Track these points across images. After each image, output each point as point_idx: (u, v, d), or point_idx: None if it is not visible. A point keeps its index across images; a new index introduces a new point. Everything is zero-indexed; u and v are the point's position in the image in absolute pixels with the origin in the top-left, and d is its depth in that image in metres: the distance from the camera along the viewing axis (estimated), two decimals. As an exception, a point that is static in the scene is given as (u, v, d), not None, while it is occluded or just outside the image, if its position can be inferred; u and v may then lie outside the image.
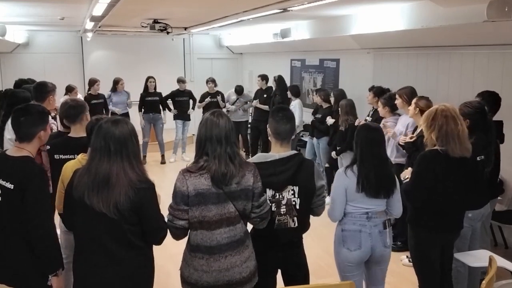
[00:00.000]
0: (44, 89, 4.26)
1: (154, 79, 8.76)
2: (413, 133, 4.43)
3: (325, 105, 6.80)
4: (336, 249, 3.06)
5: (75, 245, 2.42)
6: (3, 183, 2.52)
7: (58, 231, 3.29)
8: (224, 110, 8.75)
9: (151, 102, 8.69)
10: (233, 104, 8.81)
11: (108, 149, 2.26)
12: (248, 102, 8.85)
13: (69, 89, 8.02)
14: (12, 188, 2.49)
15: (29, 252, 2.53)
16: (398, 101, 4.90)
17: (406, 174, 3.56)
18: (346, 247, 2.96)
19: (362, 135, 2.98)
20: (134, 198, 2.23)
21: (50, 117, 3.14)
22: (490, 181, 3.73)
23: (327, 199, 3.18)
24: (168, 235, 2.44)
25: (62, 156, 3.31)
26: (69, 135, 3.44)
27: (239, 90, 8.83)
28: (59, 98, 7.86)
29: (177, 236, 2.45)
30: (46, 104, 4.05)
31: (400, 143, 4.47)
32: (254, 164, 2.48)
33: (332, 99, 6.46)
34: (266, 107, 8.17)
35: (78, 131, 3.37)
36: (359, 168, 2.92)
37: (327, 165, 6.55)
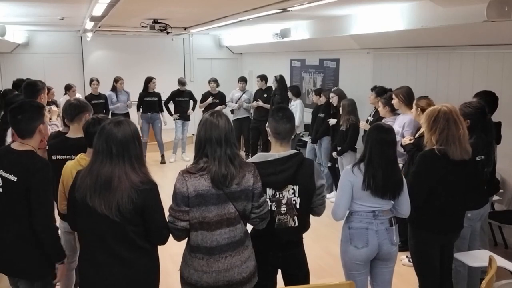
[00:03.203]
0: (34, 89, 4.27)
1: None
2: (416, 133, 4.42)
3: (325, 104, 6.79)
4: (342, 248, 3.05)
5: (80, 245, 2.43)
6: (6, 175, 2.58)
7: (59, 232, 3.29)
8: (228, 109, 8.76)
9: (149, 102, 8.68)
10: (236, 101, 8.80)
11: (110, 152, 2.25)
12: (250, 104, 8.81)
13: (68, 88, 8.03)
14: (15, 180, 2.55)
15: (32, 243, 2.58)
16: (394, 101, 4.91)
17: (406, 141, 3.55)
18: (354, 244, 2.96)
19: (374, 134, 2.97)
20: (137, 200, 2.23)
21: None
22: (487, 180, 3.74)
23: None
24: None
25: (59, 157, 3.32)
26: (66, 135, 3.44)
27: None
28: (59, 98, 7.94)
29: (178, 238, 2.43)
30: None
31: (402, 144, 4.47)
32: (254, 165, 2.48)
33: (335, 98, 6.43)
34: (268, 106, 8.16)
35: (75, 131, 3.36)
36: (366, 167, 2.91)
37: (329, 164, 6.55)
